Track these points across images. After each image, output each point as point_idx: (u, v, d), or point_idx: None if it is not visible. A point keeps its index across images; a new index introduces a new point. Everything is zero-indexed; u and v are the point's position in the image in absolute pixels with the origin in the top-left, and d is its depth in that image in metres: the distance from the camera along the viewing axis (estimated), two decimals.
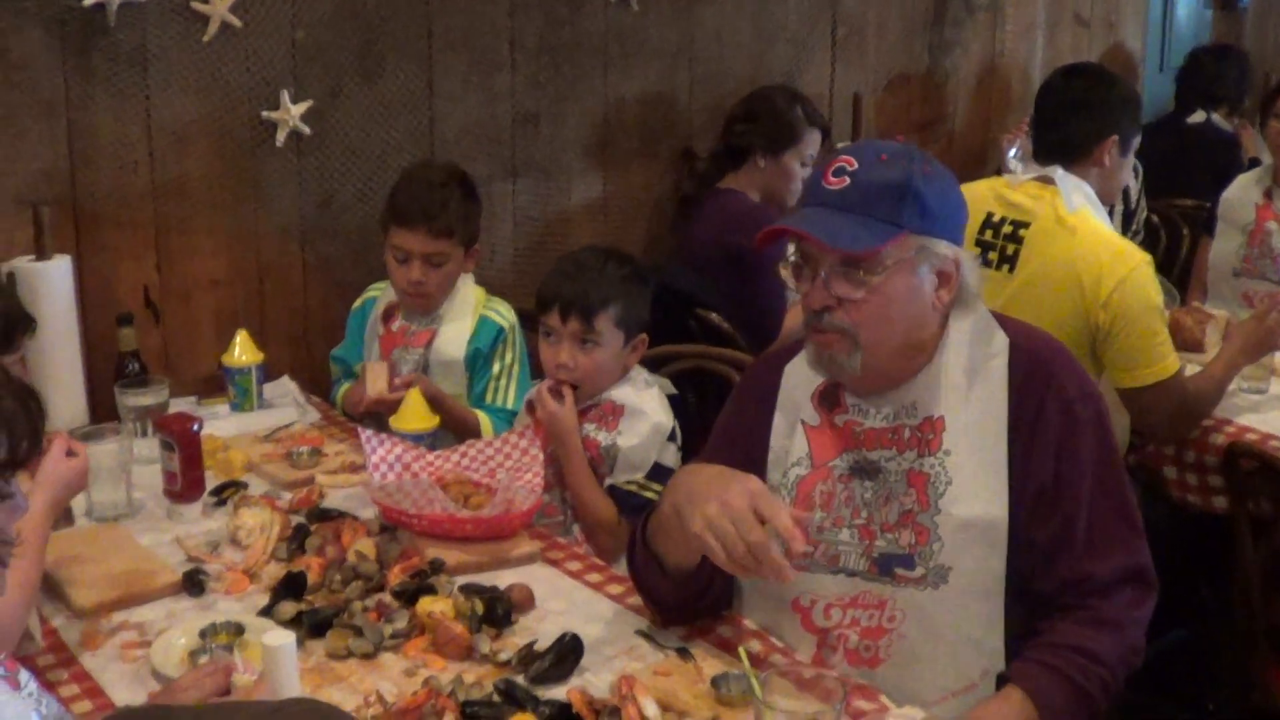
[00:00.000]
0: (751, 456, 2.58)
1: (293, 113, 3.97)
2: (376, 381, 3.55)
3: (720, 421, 2.76)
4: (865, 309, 2.35)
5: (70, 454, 2.64)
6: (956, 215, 2.44)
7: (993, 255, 3.80)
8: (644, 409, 3.21)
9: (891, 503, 2.44)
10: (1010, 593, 2.38)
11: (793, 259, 2.44)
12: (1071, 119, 3.83)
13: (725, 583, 2.52)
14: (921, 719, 2.17)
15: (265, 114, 3.96)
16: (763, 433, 2.60)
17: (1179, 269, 5.41)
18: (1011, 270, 3.72)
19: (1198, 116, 6.35)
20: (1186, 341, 4.12)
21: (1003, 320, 2.50)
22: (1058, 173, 3.75)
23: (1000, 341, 2.46)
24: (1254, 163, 5.47)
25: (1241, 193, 5.10)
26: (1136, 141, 3.94)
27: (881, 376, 2.45)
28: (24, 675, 1.75)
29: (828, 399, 2.54)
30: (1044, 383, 2.41)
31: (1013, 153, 5.37)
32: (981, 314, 2.49)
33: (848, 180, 2.35)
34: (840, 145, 2.49)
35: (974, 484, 2.38)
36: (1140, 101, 4.09)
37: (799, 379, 2.58)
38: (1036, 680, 2.29)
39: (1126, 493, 2.44)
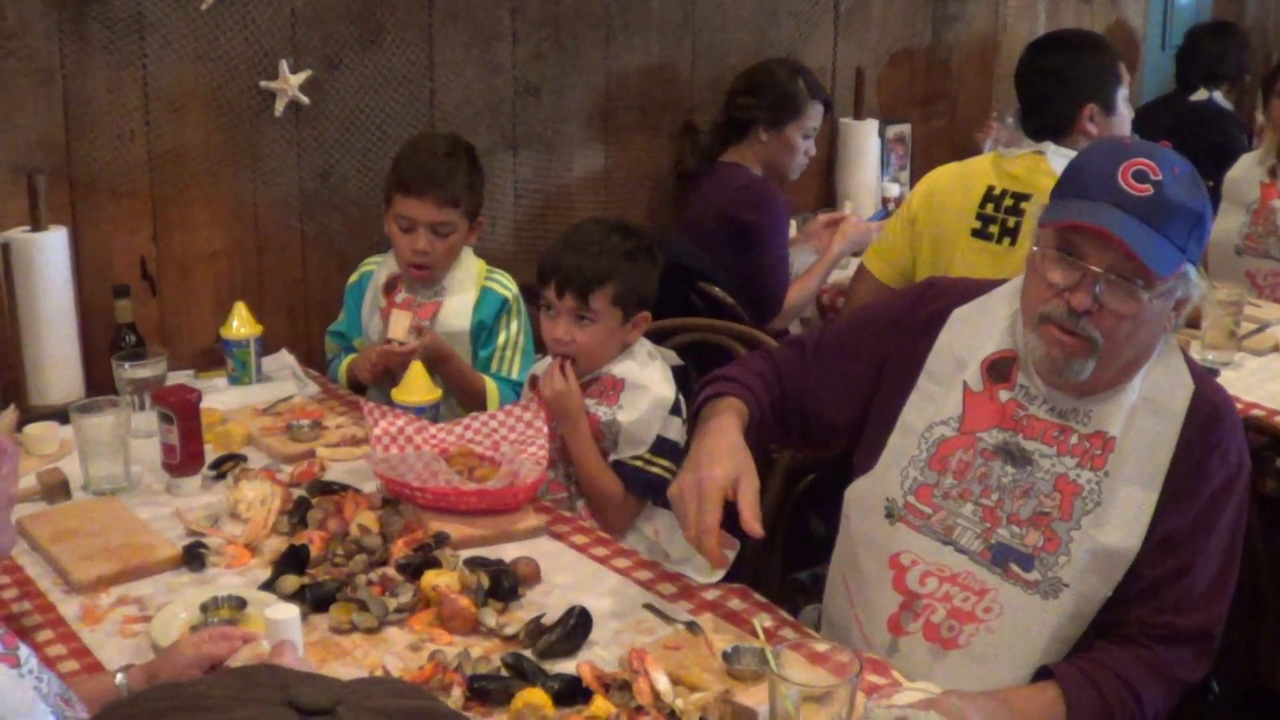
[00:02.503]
0: (882, 365, 2.61)
1: (291, 82, 3.92)
2: (398, 326, 3.51)
3: (870, 314, 2.77)
4: (1124, 325, 2.28)
5: None
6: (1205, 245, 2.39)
7: (993, 228, 3.79)
8: (645, 383, 3.17)
9: (1029, 498, 2.40)
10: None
11: (1054, 248, 2.33)
12: (1048, 96, 3.88)
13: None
14: (937, 694, 2.13)
15: (264, 84, 3.90)
16: (911, 361, 2.57)
17: None
18: (1013, 243, 3.71)
19: (1200, 95, 6.33)
20: (1188, 318, 4.08)
21: (1190, 364, 2.43)
22: (1049, 148, 3.78)
23: (1185, 385, 2.38)
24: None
25: (1245, 172, 5.10)
26: (1123, 92, 3.95)
27: (1093, 384, 2.38)
28: (24, 651, 1.71)
29: (997, 372, 2.48)
30: (1217, 439, 2.36)
31: (988, 146, 5.33)
32: (1175, 349, 2.42)
33: (1150, 189, 2.26)
34: (1131, 143, 2.43)
35: (1120, 514, 2.33)
36: (1114, 52, 4.05)
37: (966, 333, 2.53)
38: (1077, 688, 2.27)
39: (1235, 564, 2.40)
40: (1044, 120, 3.87)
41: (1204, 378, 2.44)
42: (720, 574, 2.94)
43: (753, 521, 2.30)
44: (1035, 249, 2.38)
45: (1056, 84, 3.85)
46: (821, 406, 2.68)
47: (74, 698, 1.77)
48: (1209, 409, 2.37)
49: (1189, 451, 2.34)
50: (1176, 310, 2.35)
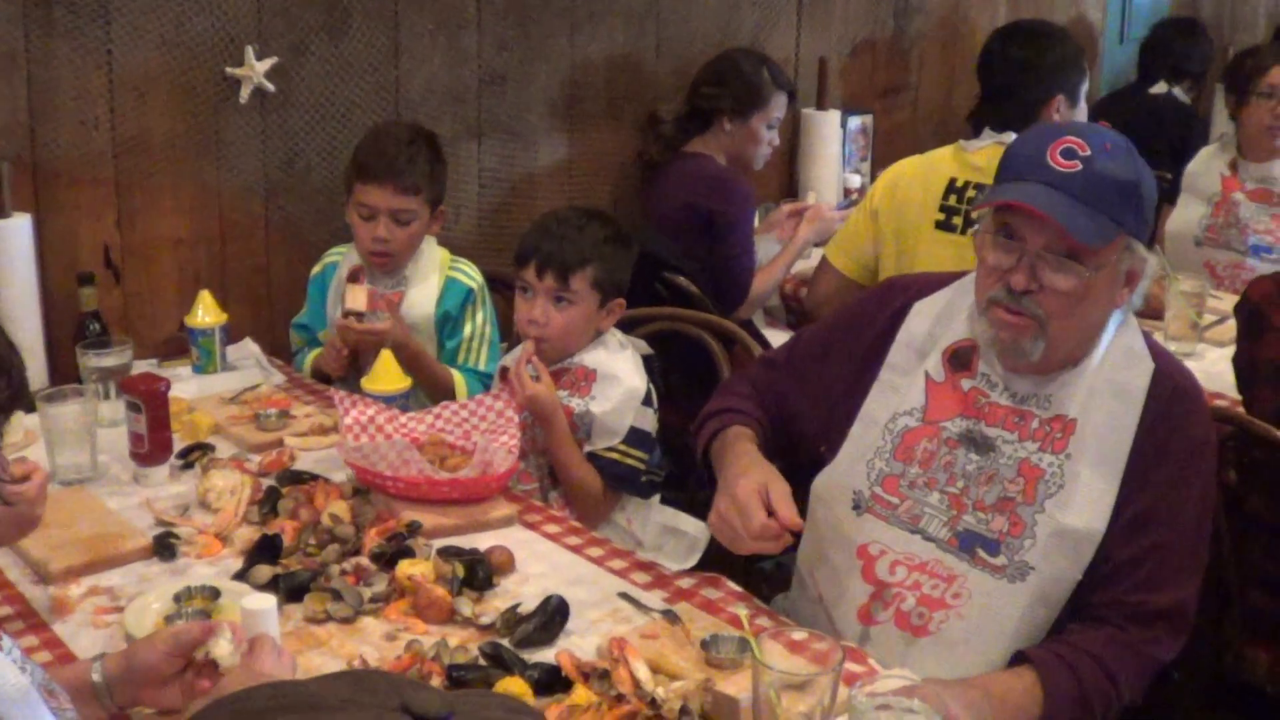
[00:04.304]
0: (847, 367, 2.63)
1: (257, 69, 3.89)
2: (356, 299, 3.48)
3: (835, 320, 2.79)
4: (1066, 301, 2.31)
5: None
6: (1153, 218, 2.40)
7: (956, 220, 3.80)
8: (617, 373, 3.17)
9: (994, 484, 2.41)
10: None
11: (992, 232, 2.37)
12: (1018, 86, 3.85)
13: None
14: (915, 682, 2.13)
15: (229, 70, 3.88)
16: (874, 356, 2.60)
17: None
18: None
19: (1159, 88, 6.37)
20: (1152, 309, 4.12)
21: (1150, 344, 2.45)
22: (1011, 139, 3.76)
23: (1145, 365, 2.40)
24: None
25: (1205, 164, 5.17)
26: (1085, 87, 3.96)
27: (1046, 363, 2.40)
28: (6, 641, 1.69)
29: (959, 360, 2.50)
30: (1180, 416, 2.38)
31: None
32: (1134, 329, 2.45)
33: (1079, 165, 2.29)
34: (1063, 124, 2.45)
35: (1084, 495, 2.34)
36: (1079, 47, 4.07)
37: (927, 324, 2.55)
38: (1053, 671, 2.27)
39: (1205, 541, 2.42)
40: (1012, 109, 3.85)
41: (1165, 356, 2.46)
42: (694, 560, 2.96)
43: (793, 516, 2.35)
44: (975, 234, 2.43)
45: (1027, 74, 3.84)
46: (803, 423, 2.71)
47: (58, 689, 1.75)
48: (1171, 387, 2.39)
49: (1153, 431, 2.36)
50: (1129, 286, 2.38)
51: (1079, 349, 2.40)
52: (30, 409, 3.06)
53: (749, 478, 2.42)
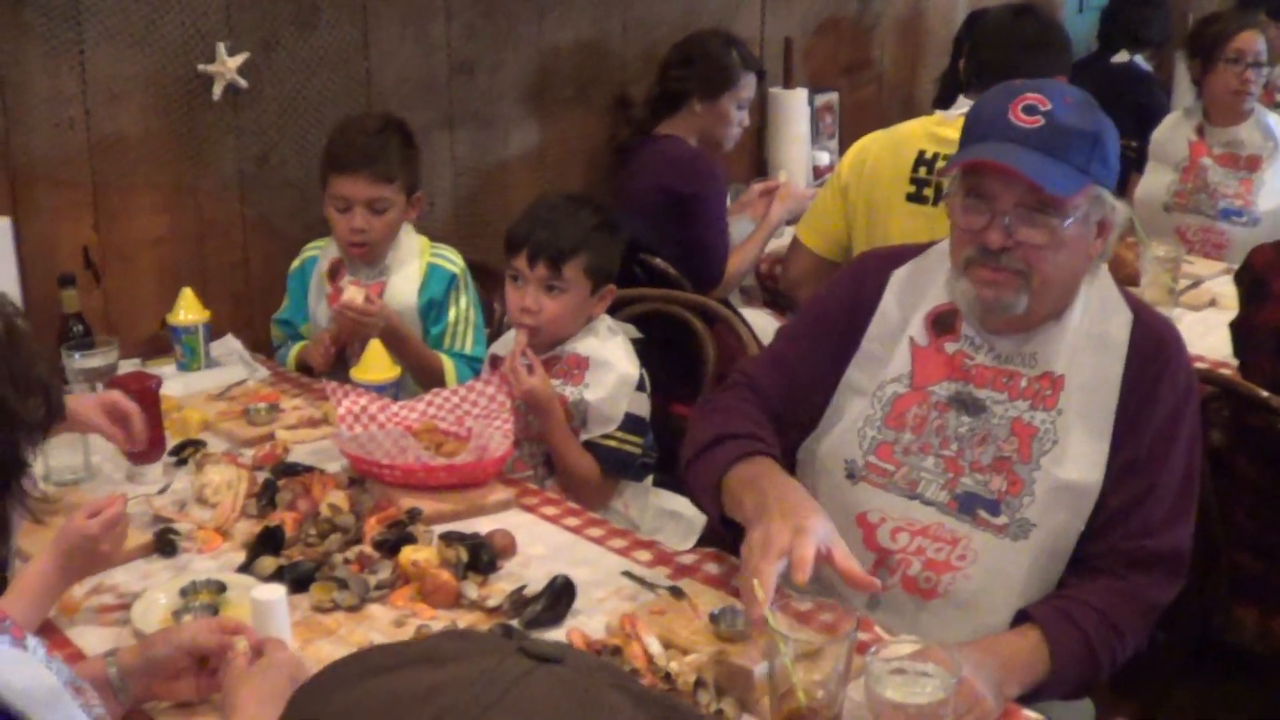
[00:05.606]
0: (835, 346, 2.61)
1: (229, 65, 3.87)
2: (354, 299, 3.46)
3: (815, 303, 2.78)
4: (1045, 253, 2.33)
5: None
6: (1118, 167, 2.41)
7: (928, 191, 3.81)
8: (609, 360, 3.17)
9: (988, 445, 2.43)
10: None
11: (962, 194, 2.39)
12: (1024, 57, 3.83)
13: None
14: (920, 648, 2.15)
15: (201, 67, 3.86)
16: (856, 328, 2.60)
17: None
18: None
19: (1121, 56, 6.40)
20: (1128, 275, 4.16)
21: (1125, 294, 2.48)
22: None
23: (1123, 313, 2.43)
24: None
25: (1172, 130, 5.21)
26: None
27: (1029, 319, 2.42)
28: (31, 641, 1.70)
29: (941, 324, 2.52)
30: (1164, 363, 2.41)
31: None
32: (1107, 279, 2.48)
33: (1041, 120, 2.31)
34: (1020, 83, 2.44)
35: (1078, 448, 2.38)
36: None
37: (906, 291, 2.57)
38: (1057, 628, 2.29)
39: (1195, 483, 2.45)
40: (1010, 76, 3.84)
41: (1141, 305, 2.50)
42: (692, 542, 2.97)
43: (867, 578, 2.21)
44: (946, 198, 2.45)
45: (1035, 48, 3.85)
46: (796, 414, 2.64)
47: (85, 685, 1.76)
48: (1153, 336, 2.43)
49: (1139, 379, 2.40)
50: (1101, 235, 2.40)
51: (1060, 301, 2.43)
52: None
53: (797, 519, 2.20)
